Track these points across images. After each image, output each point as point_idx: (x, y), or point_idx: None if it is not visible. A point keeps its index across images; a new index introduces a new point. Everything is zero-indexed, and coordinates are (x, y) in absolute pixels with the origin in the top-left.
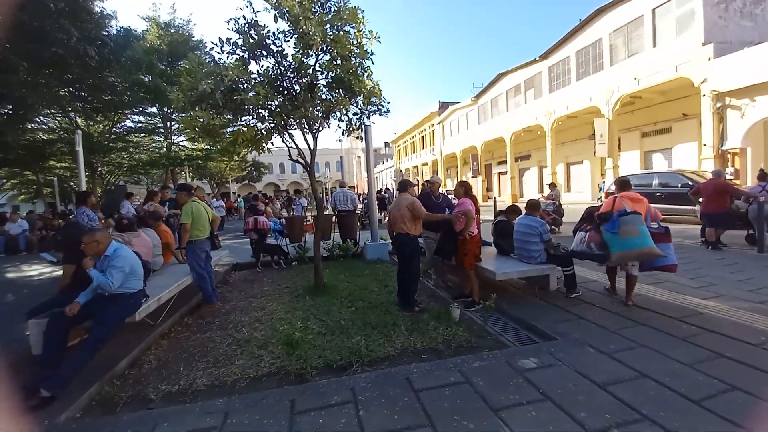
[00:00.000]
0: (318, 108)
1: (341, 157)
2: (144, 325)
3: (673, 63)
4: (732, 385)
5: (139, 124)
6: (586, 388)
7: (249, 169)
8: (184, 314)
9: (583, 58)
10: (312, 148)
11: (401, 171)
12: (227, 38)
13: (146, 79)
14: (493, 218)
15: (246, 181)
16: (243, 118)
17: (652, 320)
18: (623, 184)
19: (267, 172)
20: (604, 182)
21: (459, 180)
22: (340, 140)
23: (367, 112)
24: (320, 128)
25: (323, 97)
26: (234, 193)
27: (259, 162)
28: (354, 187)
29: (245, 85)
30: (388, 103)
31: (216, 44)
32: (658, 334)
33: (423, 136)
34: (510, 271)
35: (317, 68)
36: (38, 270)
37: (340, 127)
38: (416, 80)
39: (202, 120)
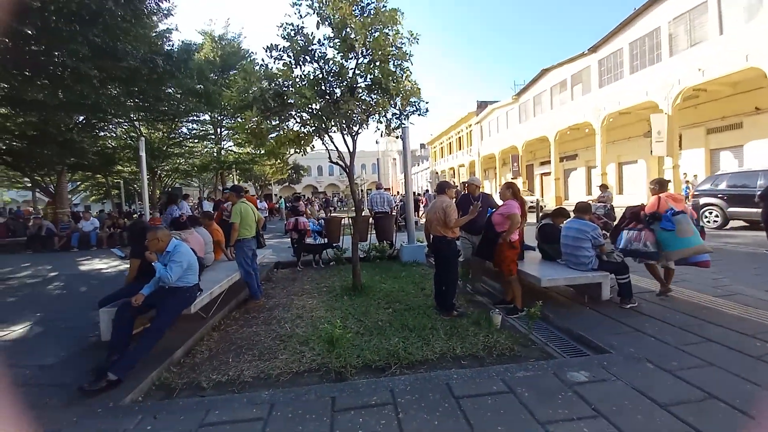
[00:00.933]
0: (358, 110)
1: (377, 159)
2: (198, 317)
3: (743, 52)
4: None
5: (193, 131)
6: (645, 406)
7: (290, 171)
8: (232, 308)
9: (638, 49)
10: (351, 150)
11: (437, 173)
12: (275, 44)
13: (199, 88)
14: (536, 221)
15: (287, 183)
16: (287, 123)
17: (722, 337)
18: (663, 184)
19: (306, 174)
20: (688, 183)
21: (506, 181)
22: (377, 141)
23: (405, 112)
24: (360, 130)
25: (363, 98)
26: (276, 194)
27: (299, 165)
28: (389, 188)
29: (291, 89)
30: (427, 103)
31: (266, 49)
32: (728, 351)
33: (460, 137)
34: (557, 277)
35: (357, 71)
36: (108, 263)
37: (378, 129)
38: (454, 80)
39: (253, 122)
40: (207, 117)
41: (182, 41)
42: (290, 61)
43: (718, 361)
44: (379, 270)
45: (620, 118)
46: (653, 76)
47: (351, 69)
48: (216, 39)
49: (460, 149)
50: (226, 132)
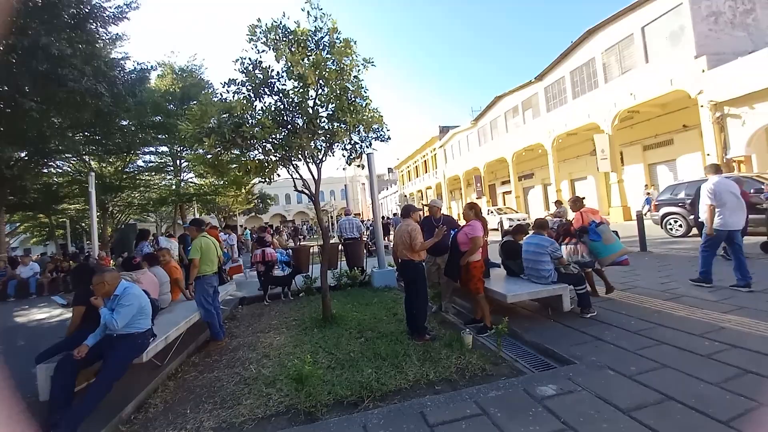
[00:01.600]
0: (321, 139)
1: (345, 185)
2: (151, 366)
3: (668, 77)
4: (760, 402)
5: (150, 164)
6: (609, 414)
7: (255, 201)
8: (191, 353)
9: (577, 77)
10: (316, 178)
11: (405, 196)
12: (233, 79)
13: (157, 119)
14: (500, 239)
15: (252, 214)
16: (249, 153)
17: (674, 339)
18: (578, 201)
19: (273, 203)
20: (648, 194)
21: (469, 201)
22: (343, 169)
23: (368, 139)
24: (323, 158)
25: (325, 128)
26: (241, 225)
27: (265, 194)
28: (359, 214)
29: (251, 121)
30: (388, 130)
31: (224, 84)
32: (680, 353)
33: (425, 160)
34: (521, 292)
35: (317, 102)
36: (48, 313)
37: (343, 156)
38: (416, 105)
39: (210, 156)
40: (165, 149)
41: (135, 66)
42: (249, 95)
43: (672, 363)
44: (350, 298)
45: (568, 138)
46: (593, 100)
47: (311, 99)
48: (177, 71)
49: (426, 172)
50: (186, 163)
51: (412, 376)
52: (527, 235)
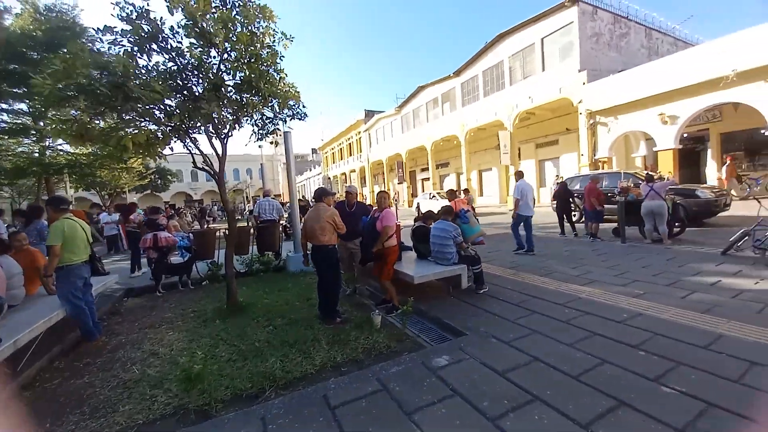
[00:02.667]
0: (227, 110)
1: (261, 164)
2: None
3: (558, 85)
4: (603, 359)
5: (2, 124)
6: (489, 378)
7: (152, 177)
8: (55, 356)
9: (489, 77)
10: (221, 154)
11: (329, 178)
12: (109, 26)
13: (12, 68)
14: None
15: (148, 191)
16: (136, 121)
17: (544, 308)
18: (452, 192)
19: (176, 180)
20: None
21: (380, 190)
22: (260, 146)
23: (282, 116)
24: (229, 132)
25: (232, 98)
26: (134, 204)
27: (165, 169)
28: (279, 195)
29: (135, 81)
30: (305, 107)
31: (98, 31)
32: (548, 320)
33: (350, 143)
34: (427, 273)
35: (222, 68)
36: None
37: (254, 132)
38: (344, 88)
39: (77, 123)
40: (23, 106)
41: None
42: (132, 49)
43: (540, 329)
44: (262, 284)
45: (479, 132)
46: (500, 100)
47: (215, 65)
48: (40, 9)
49: (351, 155)
50: (54, 126)
51: (319, 361)
52: (436, 221)
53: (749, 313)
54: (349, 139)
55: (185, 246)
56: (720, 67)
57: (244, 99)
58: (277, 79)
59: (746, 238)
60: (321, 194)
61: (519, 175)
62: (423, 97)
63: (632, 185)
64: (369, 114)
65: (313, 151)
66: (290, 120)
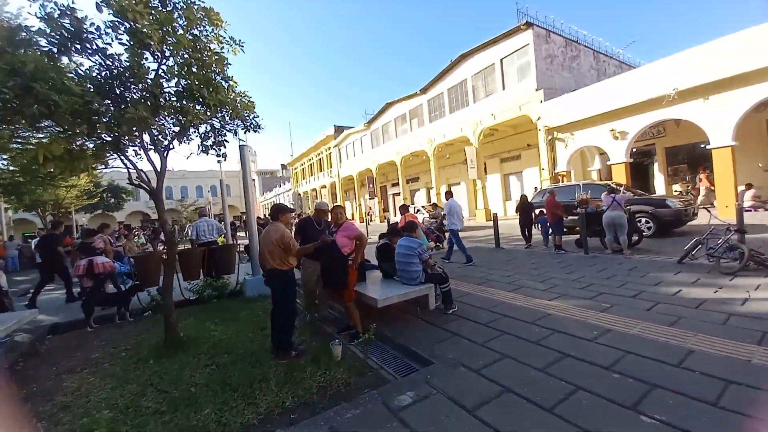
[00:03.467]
0: (166, 120)
1: (220, 180)
2: None
3: (518, 103)
4: (576, 386)
5: None
6: (458, 417)
7: (103, 195)
8: None
9: (454, 94)
10: (160, 169)
11: (299, 194)
12: (22, 25)
13: None
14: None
15: (99, 211)
16: (48, 129)
17: (513, 328)
18: (404, 207)
19: (132, 198)
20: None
21: (335, 204)
22: (218, 161)
23: (232, 127)
24: (170, 145)
25: (175, 106)
26: (83, 225)
27: (119, 187)
28: (221, 214)
29: (49, 82)
30: (258, 117)
31: (6, 18)
32: (517, 341)
33: (320, 159)
34: (391, 295)
35: (160, 74)
36: None
37: (199, 145)
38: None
39: None
40: None
41: None
42: (51, 50)
43: (510, 351)
44: (214, 313)
45: (446, 148)
46: (465, 116)
47: (153, 70)
48: None
49: (321, 171)
50: None
51: (265, 407)
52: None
53: (715, 325)
54: (319, 154)
55: (126, 272)
56: (662, 87)
57: (186, 108)
58: (225, 87)
59: (699, 246)
60: (277, 211)
61: (448, 194)
62: (391, 113)
63: (589, 197)
64: (339, 129)
65: (283, 167)
66: (244, 132)
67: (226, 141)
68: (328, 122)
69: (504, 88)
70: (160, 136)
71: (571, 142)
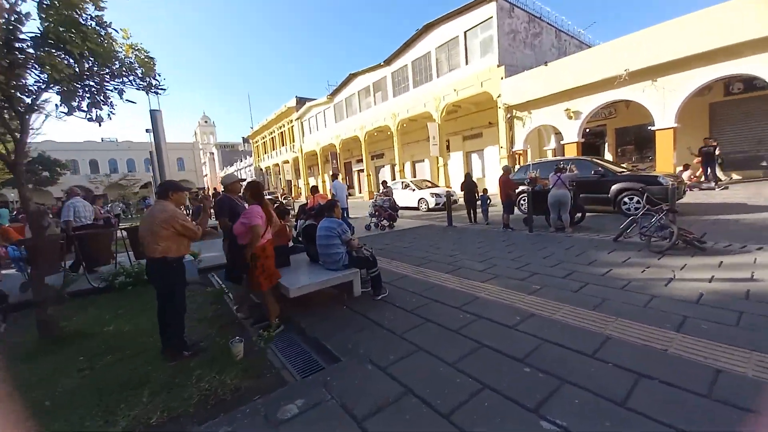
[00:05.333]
0: (26, 71)
1: (151, 152)
2: None
3: (480, 79)
4: (482, 383)
5: None
6: (343, 430)
7: (36, 167)
8: None
9: (418, 67)
10: (20, 133)
11: (261, 169)
12: None
13: None
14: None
15: (30, 186)
16: None
17: (439, 314)
18: (314, 189)
19: (68, 171)
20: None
21: (249, 180)
22: (146, 130)
23: (115, 85)
24: (34, 105)
25: (31, 53)
26: (12, 201)
27: (51, 159)
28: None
29: None
30: (160, 77)
31: None
32: (437, 331)
33: (282, 132)
34: (307, 283)
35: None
36: None
37: (66, 103)
38: (276, 74)
39: None
40: None
41: None
42: None
43: (427, 344)
44: (123, 303)
45: (410, 123)
46: (428, 91)
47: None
48: None
49: (283, 145)
50: None
51: (125, 425)
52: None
53: (636, 308)
54: (281, 127)
55: (18, 257)
56: (615, 67)
57: (43, 58)
58: (102, 34)
59: (634, 225)
60: (166, 189)
61: (334, 176)
62: (355, 86)
63: (539, 176)
64: (301, 101)
65: (244, 140)
66: (146, 93)
67: (104, 101)
68: (291, 94)
69: (467, 63)
70: (17, 93)
71: (529, 121)
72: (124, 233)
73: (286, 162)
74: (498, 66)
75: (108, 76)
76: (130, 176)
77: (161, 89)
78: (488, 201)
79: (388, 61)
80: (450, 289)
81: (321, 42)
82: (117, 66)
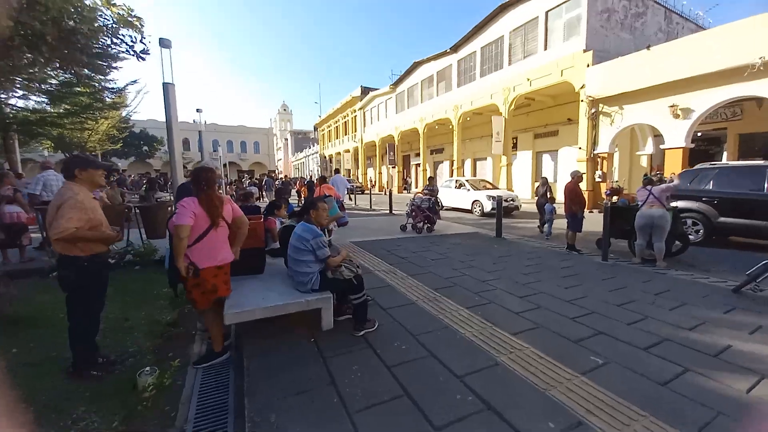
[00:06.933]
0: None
1: (200, 132)
2: None
3: (560, 67)
4: None
5: None
6: None
7: (139, 143)
8: None
9: (487, 54)
10: None
11: (326, 157)
12: None
13: None
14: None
15: (133, 158)
16: None
17: (425, 384)
18: (322, 179)
19: (163, 147)
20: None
21: (203, 165)
22: (198, 110)
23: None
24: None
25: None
26: (123, 170)
27: (149, 134)
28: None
29: None
30: (145, 39)
31: None
32: (415, 418)
33: (346, 122)
34: (249, 309)
35: None
36: None
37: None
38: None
39: None
40: None
41: None
42: None
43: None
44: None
45: (474, 117)
46: (497, 81)
47: None
48: None
49: (346, 134)
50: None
51: None
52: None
53: None
54: (345, 117)
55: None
56: (745, 54)
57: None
58: None
59: None
60: (69, 166)
61: (336, 170)
62: (419, 75)
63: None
64: (365, 91)
65: (315, 128)
66: (133, 55)
67: (76, 63)
68: (358, 84)
69: (546, 48)
70: None
71: (619, 118)
72: (137, 210)
73: (347, 151)
74: (584, 51)
75: (81, 37)
76: (187, 155)
77: (144, 53)
78: (554, 211)
79: (455, 48)
80: (462, 339)
81: (387, 28)
82: (99, 24)
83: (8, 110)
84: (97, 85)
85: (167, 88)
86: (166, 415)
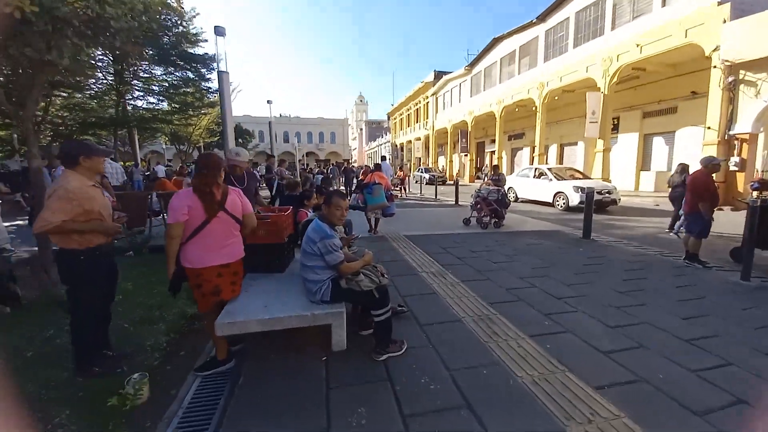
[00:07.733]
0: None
1: (270, 123)
2: None
3: (684, 27)
4: None
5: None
6: None
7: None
8: None
9: (583, 19)
10: None
11: (397, 146)
12: None
13: None
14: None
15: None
16: None
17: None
18: (377, 167)
19: (255, 140)
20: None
21: (205, 152)
22: (268, 102)
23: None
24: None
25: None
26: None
27: (242, 128)
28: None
29: None
30: (189, 25)
31: None
32: None
33: (417, 109)
34: (243, 319)
35: None
36: None
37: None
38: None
39: None
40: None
41: None
42: None
43: None
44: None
45: (564, 96)
46: (595, 51)
47: None
48: None
49: (417, 122)
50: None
51: None
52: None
53: None
54: (417, 104)
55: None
56: None
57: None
58: None
59: None
60: (70, 153)
61: (383, 157)
62: (498, 52)
63: None
64: (438, 75)
65: (388, 117)
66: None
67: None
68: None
69: (664, 5)
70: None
71: (767, 89)
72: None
73: (418, 139)
74: (719, 4)
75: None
76: (262, 145)
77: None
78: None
79: (542, 17)
80: (516, 388)
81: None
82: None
83: (129, 108)
84: (199, 86)
85: (221, 77)
86: (149, 429)
